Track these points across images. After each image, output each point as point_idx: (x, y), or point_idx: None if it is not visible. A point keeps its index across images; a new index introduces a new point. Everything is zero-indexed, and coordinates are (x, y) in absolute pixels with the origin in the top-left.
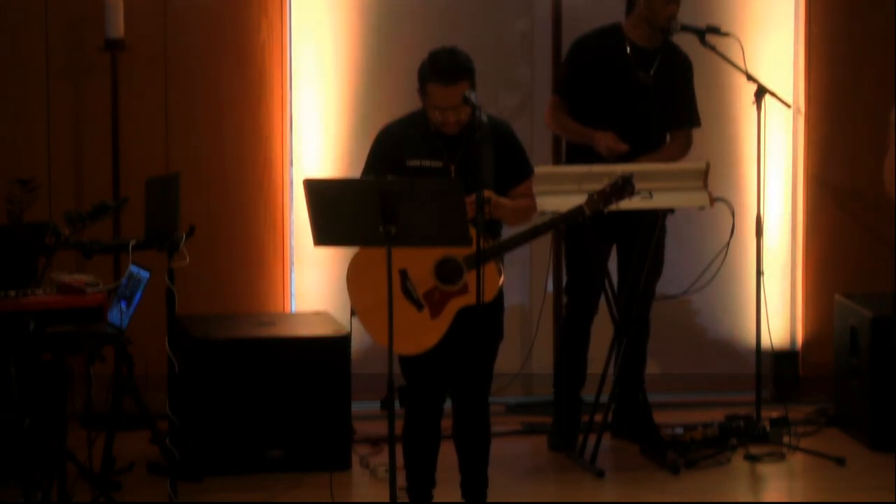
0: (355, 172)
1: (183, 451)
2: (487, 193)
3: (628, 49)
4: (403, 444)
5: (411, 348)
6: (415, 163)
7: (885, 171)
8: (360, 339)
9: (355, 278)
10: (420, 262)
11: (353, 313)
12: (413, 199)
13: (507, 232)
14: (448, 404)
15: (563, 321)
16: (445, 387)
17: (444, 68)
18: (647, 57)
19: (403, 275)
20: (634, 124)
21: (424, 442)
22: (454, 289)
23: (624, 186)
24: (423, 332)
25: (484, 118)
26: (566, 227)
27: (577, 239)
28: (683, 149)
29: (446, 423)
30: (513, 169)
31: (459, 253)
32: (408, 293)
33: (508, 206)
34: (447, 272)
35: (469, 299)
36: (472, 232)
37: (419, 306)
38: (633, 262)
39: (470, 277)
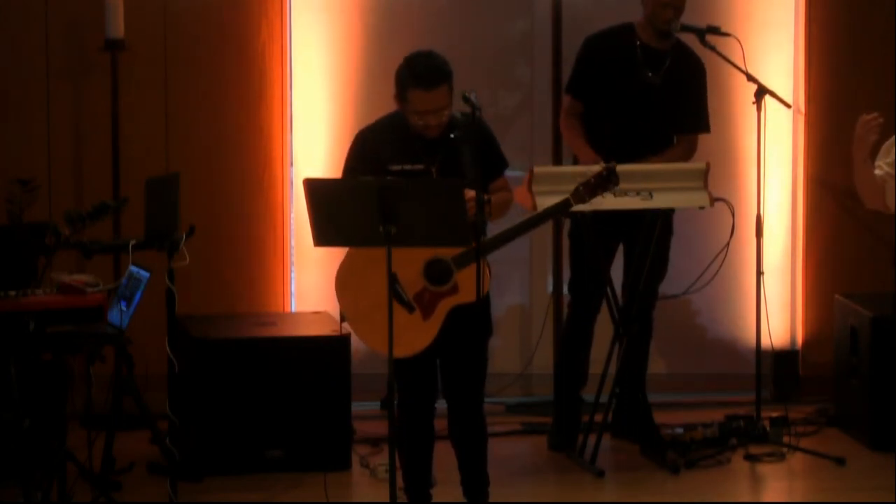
0: None
1: (183, 451)
2: (472, 193)
3: (638, 48)
4: (398, 447)
5: (404, 351)
6: (396, 167)
7: (856, 184)
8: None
9: (344, 284)
10: (408, 265)
11: (342, 319)
12: (413, 199)
13: (492, 228)
14: (444, 404)
15: (565, 320)
16: (437, 387)
17: (424, 73)
18: (657, 57)
19: (392, 278)
20: (640, 124)
21: (419, 442)
22: (444, 289)
23: (609, 177)
24: (415, 334)
25: (458, 115)
26: (571, 226)
27: (580, 238)
28: (687, 153)
29: (445, 424)
30: (491, 164)
31: (447, 253)
32: (398, 296)
33: (494, 201)
34: (436, 273)
35: (460, 298)
36: None
37: (410, 308)
38: (633, 262)
39: (460, 277)
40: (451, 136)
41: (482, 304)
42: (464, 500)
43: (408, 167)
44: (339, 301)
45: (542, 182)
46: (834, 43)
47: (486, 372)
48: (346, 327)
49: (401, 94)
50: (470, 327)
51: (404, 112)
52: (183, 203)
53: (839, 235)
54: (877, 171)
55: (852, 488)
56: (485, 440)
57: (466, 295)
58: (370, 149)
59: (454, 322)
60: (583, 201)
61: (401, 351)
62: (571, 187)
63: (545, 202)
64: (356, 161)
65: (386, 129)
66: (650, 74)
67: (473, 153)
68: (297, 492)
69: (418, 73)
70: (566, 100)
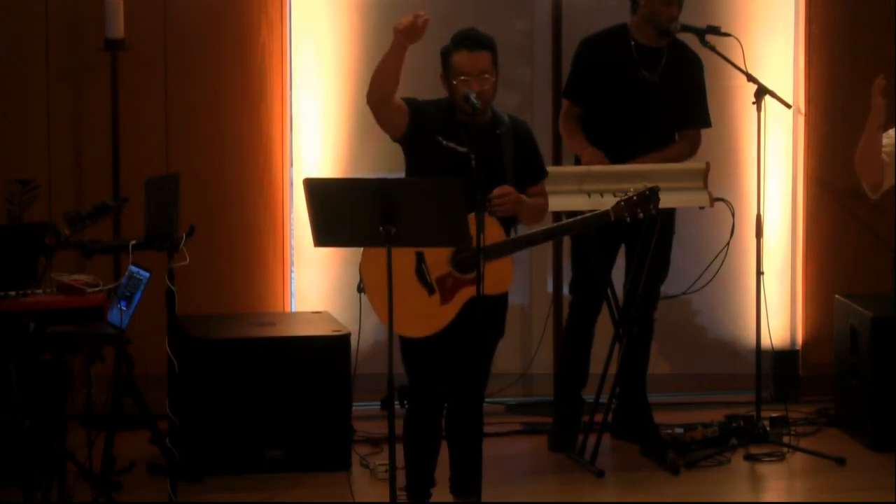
0: (355, 172)
1: (183, 451)
2: (508, 188)
3: (633, 48)
4: (404, 442)
5: (417, 331)
6: (444, 142)
7: (858, 154)
8: (361, 338)
9: (370, 256)
10: (438, 248)
11: (360, 290)
12: (413, 199)
13: (523, 230)
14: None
15: (566, 321)
16: (447, 383)
17: (467, 37)
18: (653, 56)
19: (420, 257)
20: (640, 123)
21: (426, 439)
22: (467, 277)
23: (650, 198)
24: (431, 316)
25: (505, 117)
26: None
27: (582, 239)
28: (688, 149)
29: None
30: (531, 168)
31: None
32: (422, 276)
33: (527, 203)
34: (463, 260)
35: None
36: (493, 225)
37: (431, 290)
38: (634, 263)
39: (486, 268)
40: (497, 131)
41: (500, 302)
42: (454, 500)
43: (452, 145)
44: (361, 271)
45: None
46: (834, 43)
47: (490, 372)
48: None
49: (446, 65)
50: (484, 321)
51: (450, 88)
52: (183, 203)
53: (839, 235)
54: (884, 150)
55: (852, 488)
56: (480, 439)
57: (489, 287)
58: (425, 113)
59: (469, 315)
60: (622, 217)
61: (413, 331)
62: (572, 187)
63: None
64: (417, 100)
65: (437, 108)
66: (647, 73)
67: (512, 152)
68: (297, 492)
69: (462, 37)
70: (564, 104)
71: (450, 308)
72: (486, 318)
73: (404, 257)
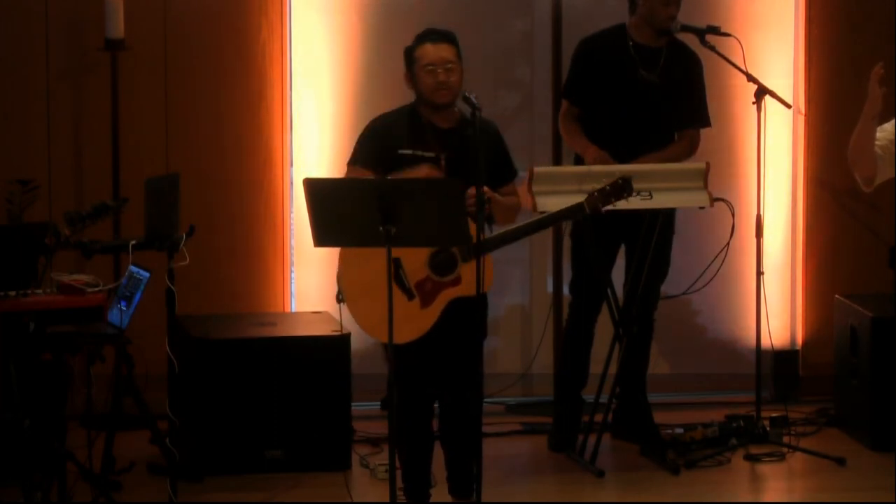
0: None
1: (183, 451)
2: (484, 188)
3: (631, 48)
4: (397, 444)
5: (399, 337)
6: (407, 151)
7: (851, 144)
8: (360, 338)
9: (347, 263)
10: (414, 252)
11: (340, 300)
12: (413, 199)
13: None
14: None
15: (566, 320)
16: (435, 385)
17: (429, 31)
18: (652, 56)
19: (397, 263)
20: (639, 123)
21: (418, 442)
22: (447, 280)
23: (623, 187)
24: (412, 322)
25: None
26: (572, 226)
27: (582, 238)
28: (688, 149)
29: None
30: (501, 168)
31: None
32: (400, 282)
33: (501, 202)
34: (441, 263)
35: (460, 291)
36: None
37: (410, 295)
38: (634, 263)
39: (464, 270)
40: (466, 132)
41: (480, 304)
42: (453, 501)
43: (419, 153)
44: (340, 279)
45: (542, 182)
46: (834, 43)
47: (483, 372)
48: (338, 312)
49: (410, 61)
50: (467, 324)
51: (415, 83)
52: (183, 203)
53: (839, 235)
54: (878, 143)
55: (852, 488)
56: (477, 440)
57: (468, 288)
58: (382, 133)
59: (451, 317)
60: (596, 208)
61: (395, 336)
62: (572, 187)
63: (545, 202)
64: (368, 142)
65: (399, 118)
66: (646, 73)
67: (484, 153)
68: (297, 492)
69: (424, 33)
70: (563, 104)
71: (431, 312)
72: (468, 319)
73: (381, 266)
